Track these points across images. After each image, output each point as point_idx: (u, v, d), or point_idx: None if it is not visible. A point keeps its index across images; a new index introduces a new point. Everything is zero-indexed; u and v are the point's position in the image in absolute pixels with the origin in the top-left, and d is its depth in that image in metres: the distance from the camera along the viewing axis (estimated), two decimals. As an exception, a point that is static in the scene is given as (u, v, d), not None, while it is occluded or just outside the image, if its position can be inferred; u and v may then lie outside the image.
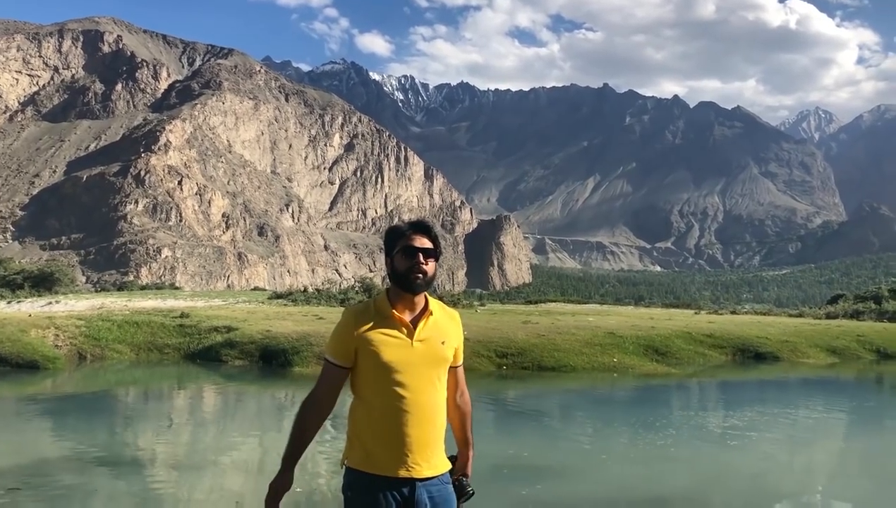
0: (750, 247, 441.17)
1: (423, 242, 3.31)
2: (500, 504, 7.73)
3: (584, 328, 24.26)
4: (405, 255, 3.28)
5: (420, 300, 3.32)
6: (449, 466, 3.39)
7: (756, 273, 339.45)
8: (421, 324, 3.27)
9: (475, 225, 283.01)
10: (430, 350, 3.26)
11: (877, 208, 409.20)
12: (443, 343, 3.30)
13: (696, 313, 40.95)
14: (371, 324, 3.24)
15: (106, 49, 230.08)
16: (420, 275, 3.26)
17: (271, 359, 19.98)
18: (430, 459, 3.25)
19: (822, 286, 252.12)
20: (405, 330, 3.25)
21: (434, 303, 3.37)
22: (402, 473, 3.18)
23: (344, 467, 3.30)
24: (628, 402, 17.49)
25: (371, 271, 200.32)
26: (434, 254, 3.34)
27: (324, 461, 10.43)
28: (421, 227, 3.37)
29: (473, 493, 3.55)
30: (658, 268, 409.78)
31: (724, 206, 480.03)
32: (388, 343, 3.21)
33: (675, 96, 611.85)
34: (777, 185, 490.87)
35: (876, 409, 17.63)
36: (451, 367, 3.39)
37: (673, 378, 20.66)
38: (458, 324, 3.44)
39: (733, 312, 44.97)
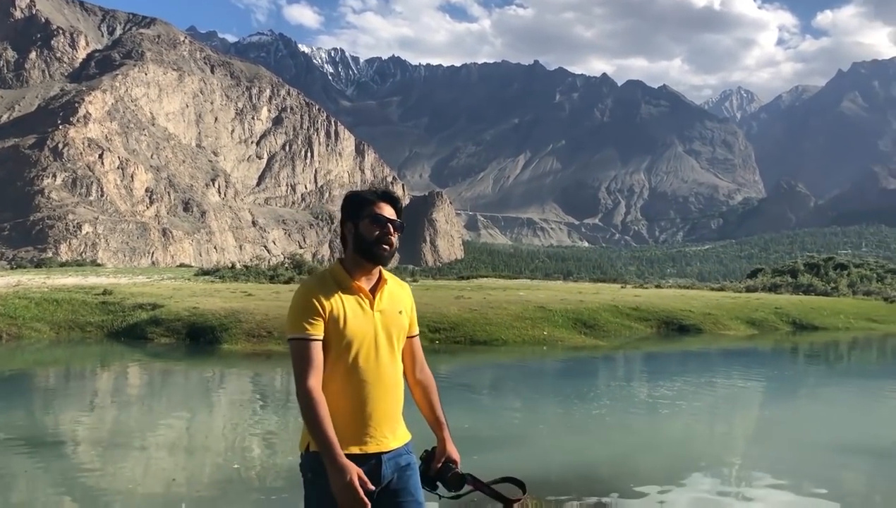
0: (674, 223, 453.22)
1: (391, 213, 3.21)
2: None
3: (515, 302, 24.56)
4: (374, 224, 3.14)
5: (376, 270, 3.20)
6: (409, 436, 3.23)
7: (680, 248, 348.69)
8: (379, 294, 3.16)
9: (408, 201, 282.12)
10: (390, 320, 3.15)
11: (794, 186, 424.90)
12: (400, 312, 3.20)
13: (622, 287, 41.88)
14: (333, 295, 3.07)
15: (18, 14, 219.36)
16: (387, 247, 3.15)
17: (199, 337, 19.57)
18: (395, 430, 3.16)
19: (743, 261, 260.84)
20: (366, 301, 3.12)
21: (385, 273, 3.25)
22: (372, 448, 3.07)
23: (304, 452, 3.09)
24: (561, 374, 17.83)
25: (301, 247, 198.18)
26: (401, 226, 3.22)
27: (279, 440, 10.32)
28: (389, 197, 3.25)
29: (471, 477, 3.23)
30: (586, 244, 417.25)
31: (650, 183, 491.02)
32: (352, 313, 3.07)
33: (604, 74, 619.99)
34: (700, 163, 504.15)
35: (792, 378, 18.41)
36: (409, 337, 3.28)
37: (601, 350, 21.14)
38: (410, 294, 3.33)
39: (658, 286, 46.17)
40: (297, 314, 3.03)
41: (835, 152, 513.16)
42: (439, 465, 3.25)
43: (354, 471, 2.88)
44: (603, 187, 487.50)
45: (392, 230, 3.16)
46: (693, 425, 11.98)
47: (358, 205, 3.19)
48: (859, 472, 8.86)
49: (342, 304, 3.06)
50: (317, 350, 3.00)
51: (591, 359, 20.00)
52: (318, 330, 3.01)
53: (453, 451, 3.32)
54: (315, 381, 2.96)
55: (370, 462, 3.05)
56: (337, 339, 3.03)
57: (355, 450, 3.02)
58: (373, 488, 2.92)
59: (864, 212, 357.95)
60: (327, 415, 2.92)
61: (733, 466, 9.28)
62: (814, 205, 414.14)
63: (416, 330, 3.34)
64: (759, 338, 25.89)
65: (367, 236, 3.13)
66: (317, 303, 3.02)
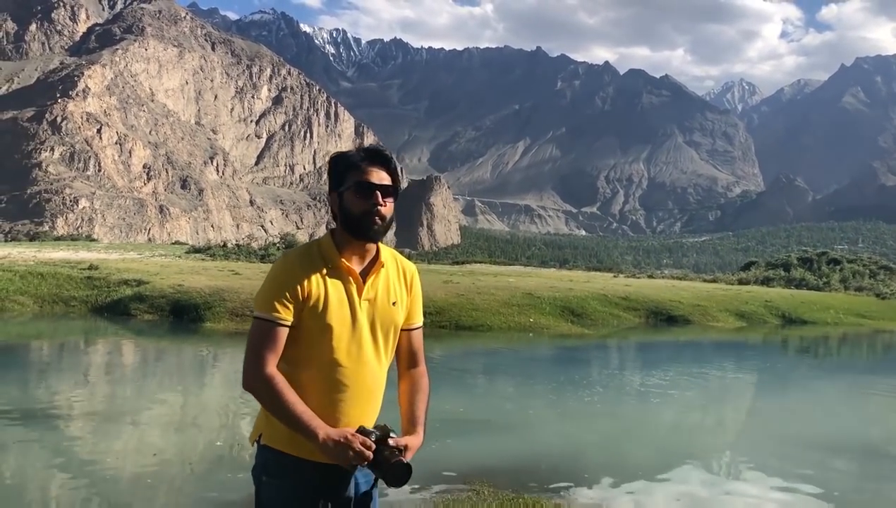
0: (672, 213, 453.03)
1: (382, 177, 2.60)
2: (437, 456, 7.66)
3: (504, 288, 24.46)
4: (359, 194, 2.56)
5: (371, 247, 2.64)
6: None
7: (676, 239, 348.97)
8: (371, 279, 2.60)
9: (405, 184, 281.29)
10: (379, 312, 2.60)
11: (793, 180, 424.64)
12: (393, 304, 2.63)
13: (614, 276, 41.82)
14: (318, 274, 2.55)
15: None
16: (378, 221, 2.57)
17: (182, 314, 19.47)
18: None
19: (739, 253, 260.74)
20: (354, 285, 2.58)
21: (386, 252, 2.69)
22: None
23: (257, 444, 2.62)
24: (552, 361, 17.79)
25: (298, 228, 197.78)
26: (394, 191, 2.65)
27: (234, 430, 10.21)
28: (379, 158, 2.64)
29: (406, 467, 2.43)
30: (583, 233, 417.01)
31: (649, 173, 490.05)
32: (335, 300, 2.54)
33: (606, 62, 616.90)
34: (700, 154, 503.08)
35: (781, 372, 18.36)
36: (405, 330, 2.72)
37: (588, 339, 21.06)
38: (413, 279, 2.74)
39: (650, 276, 46.13)
40: (270, 291, 2.54)
41: (834, 147, 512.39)
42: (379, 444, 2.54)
43: (345, 433, 2.43)
44: (602, 176, 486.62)
45: (382, 198, 2.58)
46: (683, 415, 12.02)
47: (341, 170, 2.63)
48: (846, 469, 8.78)
49: (324, 287, 2.54)
50: (281, 336, 2.52)
51: (580, 347, 19.93)
52: (287, 316, 2.51)
53: (409, 449, 2.55)
54: (273, 369, 2.49)
55: (332, 474, 2.53)
56: (312, 328, 2.54)
57: (313, 457, 2.51)
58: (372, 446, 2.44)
59: (862, 208, 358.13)
60: (291, 400, 2.46)
61: (721, 458, 9.28)
62: (812, 199, 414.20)
63: (418, 322, 2.76)
64: (747, 331, 25.83)
65: (353, 209, 2.57)
66: (294, 283, 2.52)
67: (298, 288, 2.51)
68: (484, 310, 20.78)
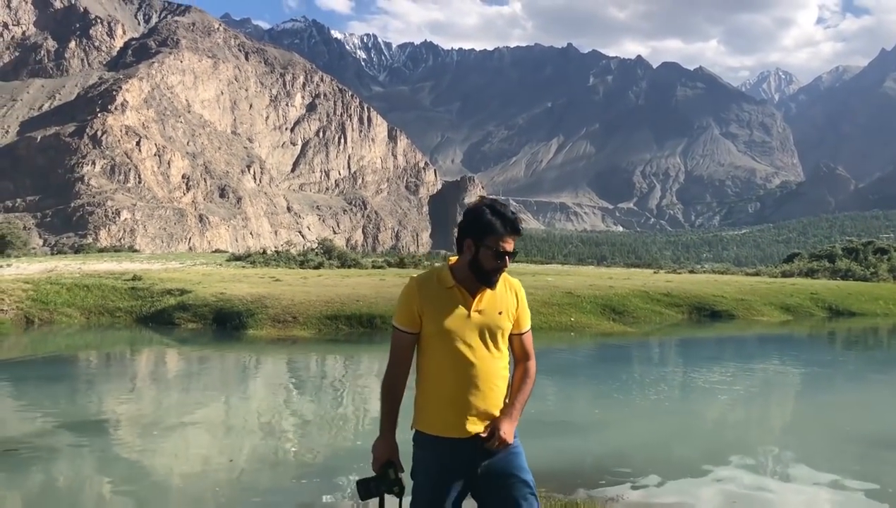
0: (710, 207, 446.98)
1: (513, 245, 3.37)
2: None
3: (543, 288, 24.31)
4: (495, 257, 3.32)
5: None
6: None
7: (716, 232, 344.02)
8: (479, 296, 3.37)
9: (440, 186, 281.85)
10: (487, 320, 3.36)
11: (833, 168, 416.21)
12: (500, 313, 3.39)
13: (654, 272, 41.36)
14: (433, 293, 3.37)
15: (58, 4, 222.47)
16: (499, 277, 3.37)
17: (225, 322, 19.66)
18: (488, 421, 3.37)
19: (780, 245, 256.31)
20: (464, 301, 3.36)
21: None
22: (458, 433, 3.33)
23: (413, 429, 3.46)
24: (602, 360, 17.62)
25: (335, 232, 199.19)
26: (514, 254, 3.42)
27: (328, 425, 10.31)
28: (517, 230, 3.38)
29: (360, 486, 3.37)
30: (620, 229, 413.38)
31: (686, 167, 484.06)
32: (447, 312, 3.33)
33: (639, 56, 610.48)
34: (737, 146, 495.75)
35: (831, 365, 17.98)
36: (515, 335, 3.48)
37: (631, 337, 20.83)
38: (519, 293, 3.50)
39: (691, 271, 45.51)
40: (399, 306, 3.42)
41: (876, 134, 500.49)
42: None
43: (383, 456, 3.35)
44: (637, 171, 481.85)
45: (507, 262, 3.36)
46: (750, 410, 11.98)
47: (485, 230, 3.33)
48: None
49: (439, 303, 3.35)
50: (406, 339, 3.41)
51: (626, 345, 19.74)
52: (409, 324, 3.38)
53: (498, 425, 3.38)
54: (393, 369, 3.42)
55: (465, 448, 3.34)
56: (433, 333, 3.34)
57: (445, 434, 3.35)
58: (401, 473, 3.35)
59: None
60: (392, 396, 3.41)
61: (773, 455, 9.12)
62: (854, 188, 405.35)
63: (525, 327, 3.53)
64: (793, 324, 25.35)
65: (485, 265, 3.33)
66: (416, 299, 3.36)
67: (417, 303, 3.36)
68: (524, 311, 20.71)
